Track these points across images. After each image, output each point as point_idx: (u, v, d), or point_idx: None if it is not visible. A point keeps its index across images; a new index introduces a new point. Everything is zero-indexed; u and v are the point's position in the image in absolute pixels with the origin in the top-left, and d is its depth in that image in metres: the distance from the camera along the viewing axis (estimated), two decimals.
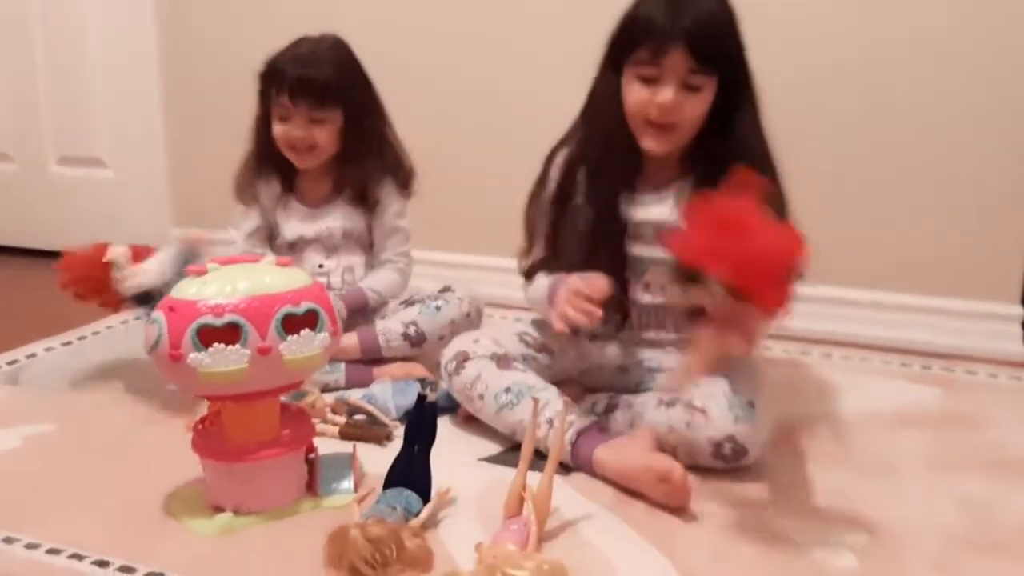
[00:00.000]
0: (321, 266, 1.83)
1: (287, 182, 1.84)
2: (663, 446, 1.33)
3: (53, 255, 2.74)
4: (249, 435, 1.23)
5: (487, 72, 2.26)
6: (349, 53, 1.78)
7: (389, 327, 1.74)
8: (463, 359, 1.48)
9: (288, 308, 1.19)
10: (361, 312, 1.78)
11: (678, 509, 1.24)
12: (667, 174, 1.46)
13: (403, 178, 1.84)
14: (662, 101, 1.35)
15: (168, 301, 1.20)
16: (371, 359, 1.73)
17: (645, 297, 1.50)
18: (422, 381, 1.28)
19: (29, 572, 1.12)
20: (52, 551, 1.17)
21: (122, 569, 1.12)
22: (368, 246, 1.87)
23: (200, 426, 1.28)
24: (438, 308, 1.75)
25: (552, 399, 1.40)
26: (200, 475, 1.28)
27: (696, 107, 1.37)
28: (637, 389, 1.51)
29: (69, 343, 2.01)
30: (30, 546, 1.18)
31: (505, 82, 2.24)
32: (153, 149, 2.69)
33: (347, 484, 1.30)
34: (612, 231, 1.46)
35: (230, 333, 1.15)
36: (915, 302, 1.98)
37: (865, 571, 1.12)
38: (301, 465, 1.30)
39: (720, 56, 1.35)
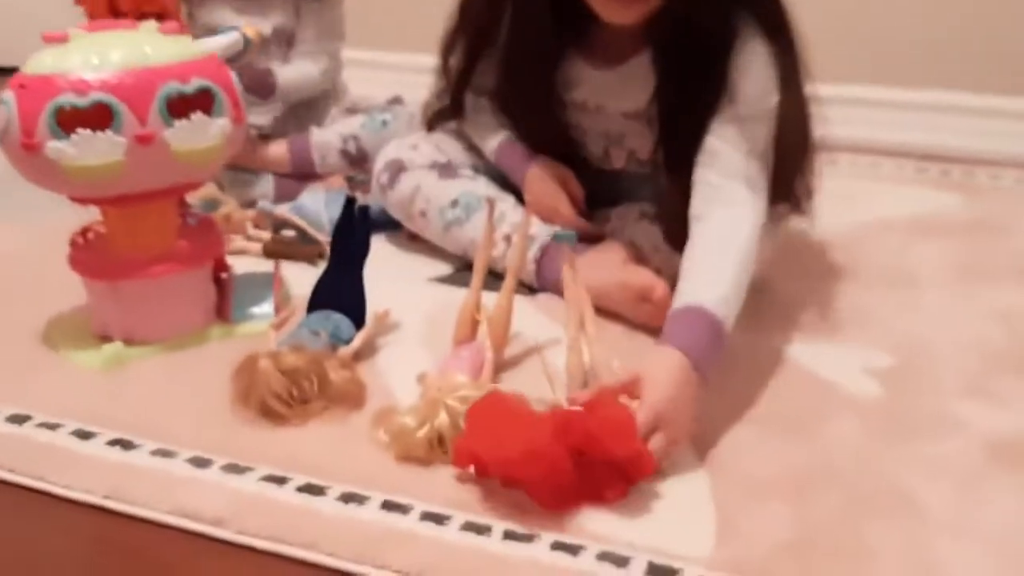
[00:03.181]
0: None
1: None
2: (642, 262, 1.16)
3: None
4: (136, 248, 1.05)
5: None
6: None
7: (327, 140, 1.56)
8: (397, 169, 1.31)
9: (174, 85, 0.98)
10: (259, 89, 1.54)
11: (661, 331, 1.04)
12: (621, 47, 1.18)
13: None
14: None
15: (19, 77, 0.98)
16: (303, 174, 1.55)
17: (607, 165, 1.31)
18: (350, 179, 1.05)
19: None
20: None
21: None
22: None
23: (80, 239, 1.09)
24: (384, 123, 1.57)
25: (509, 210, 1.24)
26: (85, 300, 1.10)
27: None
28: (614, 202, 1.32)
29: None
30: None
31: None
32: None
33: (267, 308, 1.14)
34: (548, 110, 1.25)
35: (98, 116, 0.96)
36: (931, 99, 1.84)
37: (891, 399, 0.97)
38: (208, 286, 1.13)
39: None
